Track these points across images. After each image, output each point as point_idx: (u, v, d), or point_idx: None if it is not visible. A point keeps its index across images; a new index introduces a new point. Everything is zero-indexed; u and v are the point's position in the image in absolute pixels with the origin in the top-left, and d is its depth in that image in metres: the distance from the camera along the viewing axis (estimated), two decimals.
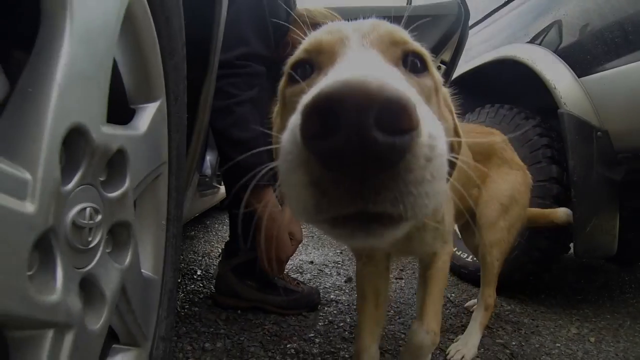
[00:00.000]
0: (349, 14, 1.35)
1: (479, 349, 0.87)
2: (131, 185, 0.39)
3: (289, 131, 0.21)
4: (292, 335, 0.87)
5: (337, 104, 0.17)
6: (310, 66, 0.36)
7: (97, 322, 0.34)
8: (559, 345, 0.93)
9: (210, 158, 1.70)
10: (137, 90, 0.45)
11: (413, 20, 1.48)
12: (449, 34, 1.40)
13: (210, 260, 1.50)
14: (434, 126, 0.22)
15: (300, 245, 1.05)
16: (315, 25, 1.03)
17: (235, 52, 0.88)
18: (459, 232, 1.28)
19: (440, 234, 0.58)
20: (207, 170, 1.66)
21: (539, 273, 1.24)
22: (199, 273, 1.30)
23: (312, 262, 1.56)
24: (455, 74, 1.60)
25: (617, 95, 1.01)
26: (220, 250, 1.58)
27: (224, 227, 2.18)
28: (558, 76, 1.16)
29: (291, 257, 1.01)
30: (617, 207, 1.10)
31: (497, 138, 0.93)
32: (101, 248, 0.34)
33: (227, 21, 0.82)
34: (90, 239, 0.32)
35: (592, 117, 1.08)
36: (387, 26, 0.37)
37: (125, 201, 0.38)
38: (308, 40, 0.37)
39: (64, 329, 0.29)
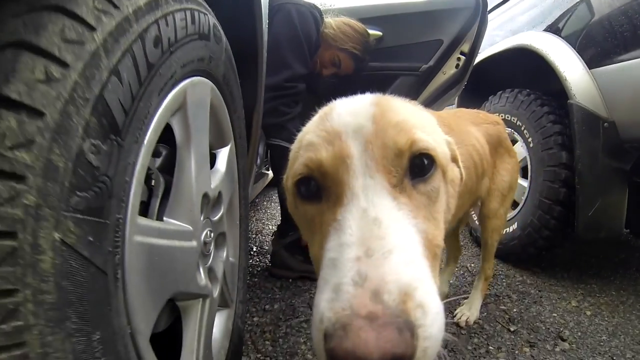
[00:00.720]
0: (371, 12, 1.49)
1: (482, 313, 1.08)
2: (224, 209, 0.65)
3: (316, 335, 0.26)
4: None
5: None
6: (315, 184, 0.36)
7: (216, 293, 0.61)
8: (555, 315, 1.10)
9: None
10: (216, 141, 0.69)
11: (432, 15, 1.61)
12: (467, 25, 1.48)
13: (263, 237, 1.78)
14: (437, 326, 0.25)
15: None
16: (339, 41, 1.20)
17: (282, 75, 1.10)
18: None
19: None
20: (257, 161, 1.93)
21: (550, 248, 1.39)
22: (254, 249, 1.60)
23: None
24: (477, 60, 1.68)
25: (625, 88, 1.08)
26: (270, 228, 1.92)
27: (272, 204, 2.50)
28: (570, 67, 1.23)
29: None
30: (624, 193, 1.19)
31: (502, 127, 1.00)
32: (213, 251, 0.61)
33: (269, 48, 0.95)
34: (209, 247, 0.59)
35: (600, 108, 1.16)
36: (389, 131, 0.35)
37: (222, 220, 0.64)
38: (309, 155, 0.35)
39: (205, 298, 0.56)
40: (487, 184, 0.92)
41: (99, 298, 0.30)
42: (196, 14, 0.48)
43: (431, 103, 1.56)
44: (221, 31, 0.59)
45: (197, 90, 0.49)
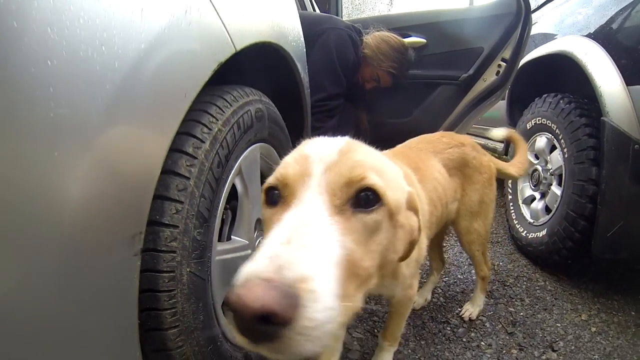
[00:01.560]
0: (415, 20, 1.59)
1: (489, 311, 1.26)
2: None
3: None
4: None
5: (235, 307, 0.29)
6: (278, 193, 0.43)
7: None
8: (559, 325, 1.21)
9: None
10: (268, 174, 0.97)
11: (472, 22, 1.72)
12: (508, 32, 1.52)
13: None
14: (327, 301, 0.31)
15: None
16: (377, 61, 1.37)
17: (316, 96, 1.34)
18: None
19: (399, 285, 0.71)
20: None
21: (573, 259, 1.46)
22: None
23: None
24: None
25: None
26: None
27: None
28: (607, 82, 1.24)
29: None
30: None
31: (467, 149, 1.05)
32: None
33: (310, 71, 1.16)
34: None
35: (634, 128, 1.17)
36: (348, 163, 0.42)
37: None
38: (280, 170, 0.44)
39: None
40: (456, 206, 1.04)
41: (202, 289, 0.60)
42: (254, 106, 0.74)
43: (472, 108, 1.65)
44: (267, 107, 0.84)
45: (250, 155, 0.77)
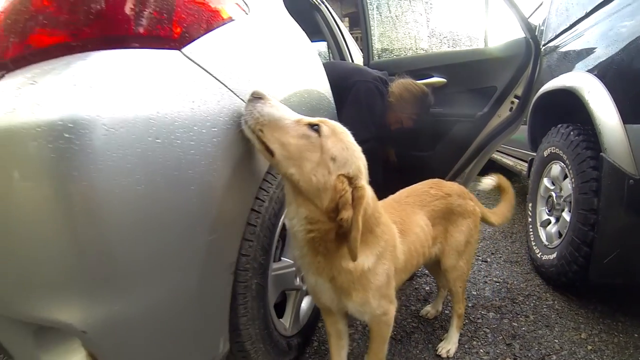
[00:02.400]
0: (434, 61, 1.86)
1: (493, 325, 1.49)
2: None
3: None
4: None
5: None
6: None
7: (304, 287, 1.22)
8: (557, 341, 1.38)
9: None
10: None
11: (486, 63, 2.02)
12: (519, 71, 1.74)
13: None
14: None
15: None
16: (400, 108, 1.67)
17: None
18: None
19: (366, 313, 0.90)
20: None
21: (580, 281, 1.62)
22: None
23: None
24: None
25: None
26: None
27: None
28: (606, 119, 1.40)
29: None
30: None
31: (453, 198, 1.24)
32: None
33: (345, 118, 1.51)
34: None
35: (629, 164, 1.31)
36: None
37: None
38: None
39: (298, 289, 1.19)
40: (437, 249, 1.22)
41: (262, 292, 0.94)
42: None
43: (489, 142, 1.87)
44: None
45: None
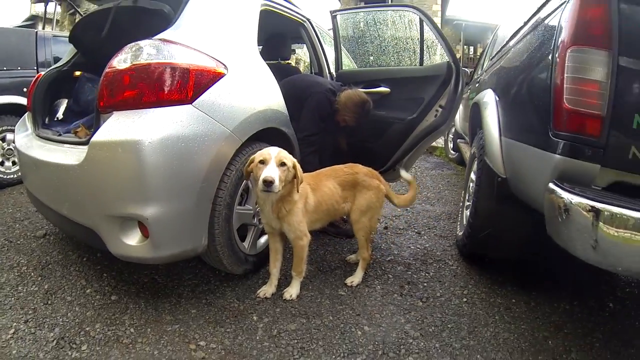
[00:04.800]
0: (382, 75, 2.74)
1: (401, 272, 2.33)
2: None
3: (260, 180, 1.66)
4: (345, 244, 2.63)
5: (265, 180, 1.61)
6: (262, 162, 1.64)
7: (260, 225, 2.20)
8: (440, 290, 2.09)
9: None
10: None
11: (417, 79, 3.11)
12: (442, 86, 2.52)
13: None
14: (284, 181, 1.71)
15: None
16: (343, 111, 2.59)
17: (302, 134, 2.52)
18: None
19: (291, 231, 1.85)
20: None
21: (468, 251, 2.41)
22: None
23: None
24: None
25: (508, 157, 1.89)
26: None
27: None
28: (491, 131, 2.09)
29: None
30: (513, 225, 1.96)
31: (359, 175, 2.08)
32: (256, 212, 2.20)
33: (302, 119, 2.47)
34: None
35: (499, 166, 1.93)
36: (280, 155, 1.68)
37: None
38: (263, 155, 1.68)
39: (254, 226, 2.17)
40: (348, 206, 2.08)
41: (229, 218, 1.90)
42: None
43: (418, 142, 2.68)
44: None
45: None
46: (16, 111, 3.67)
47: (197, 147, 1.67)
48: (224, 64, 1.88)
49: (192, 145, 1.65)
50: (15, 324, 1.77)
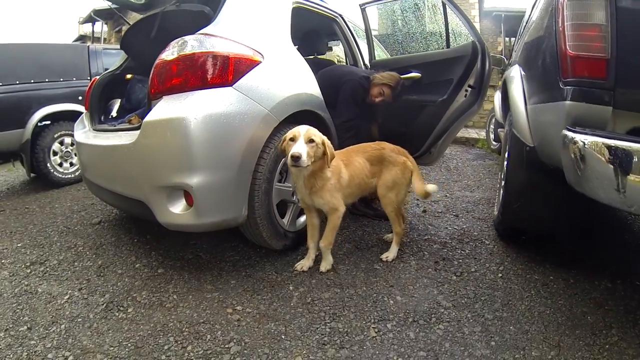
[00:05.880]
0: (412, 61, 2.89)
1: (437, 249, 2.42)
2: None
3: (289, 156, 1.80)
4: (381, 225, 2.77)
5: (293, 155, 1.74)
6: (292, 139, 1.79)
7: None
8: (475, 266, 2.18)
9: None
10: None
11: (445, 62, 3.34)
12: (469, 66, 2.62)
13: None
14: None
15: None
16: (381, 85, 2.77)
17: (339, 119, 2.70)
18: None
19: (325, 204, 1.97)
20: None
21: (503, 227, 2.45)
22: None
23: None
24: None
25: (537, 125, 1.90)
26: None
27: None
28: (517, 102, 2.11)
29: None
30: (544, 197, 1.99)
31: (386, 150, 2.21)
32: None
33: (338, 105, 2.67)
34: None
35: (527, 136, 1.98)
36: (308, 133, 1.82)
37: None
38: (293, 132, 1.83)
39: (294, 203, 2.36)
40: (375, 182, 2.20)
41: (268, 192, 2.12)
42: None
43: (452, 122, 2.78)
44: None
45: None
46: (72, 118, 4.15)
47: (237, 123, 1.89)
48: (260, 53, 2.11)
49: (233, 121, 1.88)
50: (70, 291, 2.06)
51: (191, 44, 1.93)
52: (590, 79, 1.42)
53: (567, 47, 1.46)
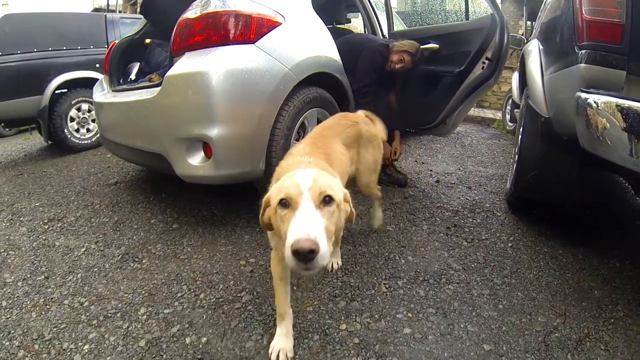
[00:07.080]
0: (431, 32, 2.94)
1: (449, 217, 2.49)
2: None
3: (287, 249, 0.87)
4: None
5: (298, 251, 0.83)
6: (286, 203, 0.95)
7: None
8: (485, 234, 2.23)
9: None
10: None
11: (463, 33, 3.41)
12: (487, 39, 2.65)
13: None
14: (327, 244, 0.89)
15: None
16: (401, 52, 2.81)
17: (357, 85, 2.75)
18: None
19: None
20: None
21: (515, 199, 2.50)
22: None
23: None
24: None
25: (553, 94, 1.93)
26: None
27: None
28: (533, 73, 2.13)
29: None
30: (560, 167, 1.99)
31: (360, 125, 1.81)
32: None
33: (357, 71, 2.72)
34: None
35: (542, 107, 2.01)
36: (319, 185, 0.95)
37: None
38: (284, 190, 0.96)
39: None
40: (355, 166, 1.79)
41: (286, 147, 2.14)
42: (313, 93, 2.29)
43: (468, 95, 2.83)
44: (320, 93, 2.37)
45: (311, 112, 2.33)
46: (89, 85, 4.25)
47: (258, 79, 1.97)
48: (281, 14, 2.18)
49: (254, 77, 1.96)
50: (87, 244, 2.17)
51: (214, 3, 2.00)
52: (605, 43, 1.45)
53: (583, 11, 1.50)
